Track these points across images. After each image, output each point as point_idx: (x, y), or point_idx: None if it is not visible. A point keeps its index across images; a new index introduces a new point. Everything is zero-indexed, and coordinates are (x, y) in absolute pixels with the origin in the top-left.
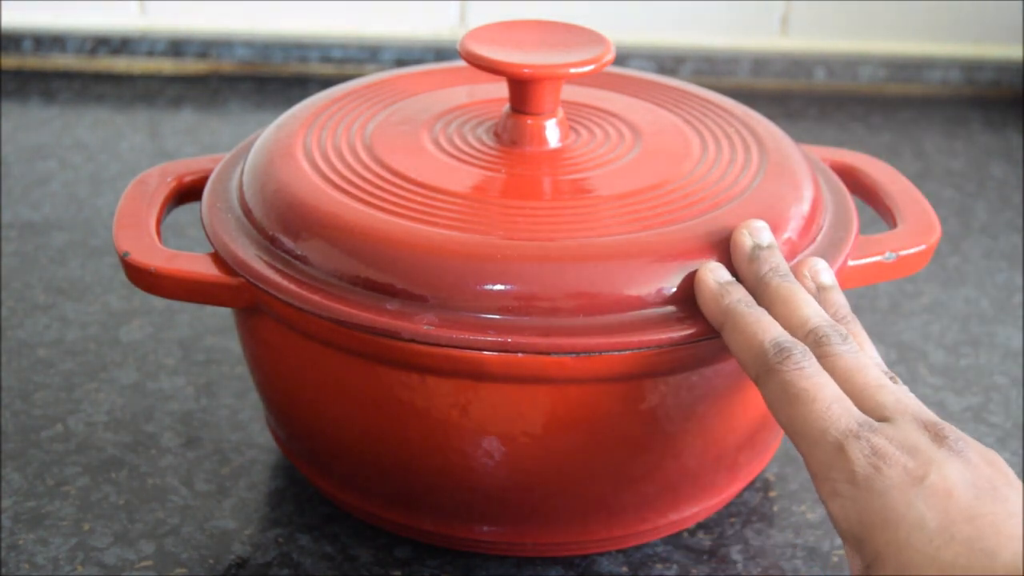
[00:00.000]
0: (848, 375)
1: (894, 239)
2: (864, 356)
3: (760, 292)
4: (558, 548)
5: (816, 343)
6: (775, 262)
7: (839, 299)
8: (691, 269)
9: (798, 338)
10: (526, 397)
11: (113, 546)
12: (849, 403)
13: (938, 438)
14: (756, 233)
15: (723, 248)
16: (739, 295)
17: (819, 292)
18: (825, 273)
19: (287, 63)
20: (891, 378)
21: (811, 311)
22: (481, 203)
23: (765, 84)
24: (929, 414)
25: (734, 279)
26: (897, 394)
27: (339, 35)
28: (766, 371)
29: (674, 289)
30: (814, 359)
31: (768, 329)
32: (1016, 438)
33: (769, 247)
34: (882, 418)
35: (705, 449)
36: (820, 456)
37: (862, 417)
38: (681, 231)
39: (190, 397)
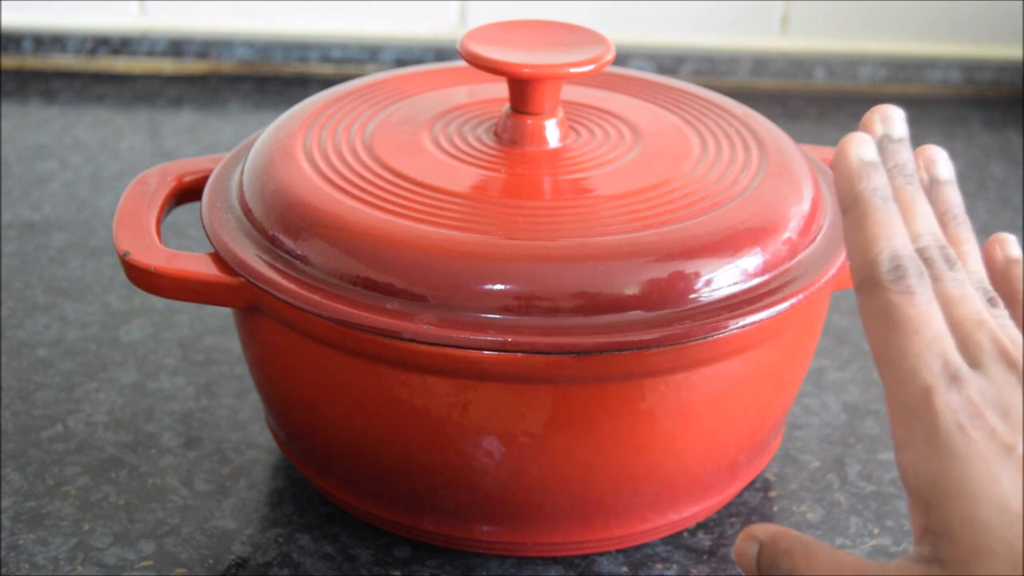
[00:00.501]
0: (949, 304)
1: None
2: (968, 285)
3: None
4: (558, 548)
5: (922, 263)
6: (903, 159)
7: (953, 196)
8: (691, 269)
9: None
10: (526, 397)
11: (113, 546)
12: (951, 344)
13: None
14: (889, 121)
15: (722, 248)
16: (879, 182)
17: (932, 185)
18: (942, 165)
19: (287, 63)
20: (991, 300)
21: (924, 226)
22: (481, 203)
23: (765, 84)
24: None
25: (879, 162)
26: (995, 333)
27: (339, 35)
28: (873, 283)
29: (674, 289)
30: (929, 286)
31: (893, 236)
32: None
33: (900, 140)
34: (977, 362)
35: (705, 449)
36: (904, 397)
37: (959, 363)
38: (681, 231)
39: (190, 397)
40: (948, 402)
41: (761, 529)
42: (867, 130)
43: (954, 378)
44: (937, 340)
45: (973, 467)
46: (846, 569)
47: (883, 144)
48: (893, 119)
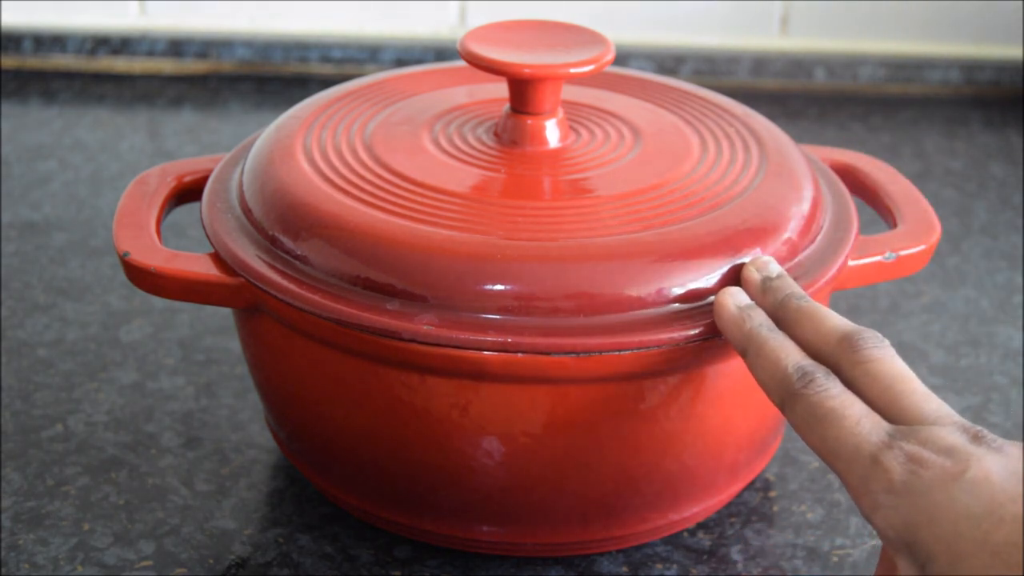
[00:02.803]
0: (891, 381)
1: (894, 239)
2: (900, 360)
3: (781, 317)
4: (558, 548)
5: (852, 349)
6: (789, 287)
7: (789, 283)
8: (691, 269)
9: (830, 349)
10: (526, 397)
11: (113, 546)
12: (877, 417)
13: (976, 439)
14: (763, 267)
15: (722, 248)
16: (760, 319)
17: (765, 282)
18: (771, 266)
19: (287, 63)
20: None
21: (839, 320)
22: (481, 203)
23: (765, 84)
24: (967, 422)
25: (754, 303)
26: (939, 402)
27: (339, 35)
28: (791, 396)
29: (674, 289)
30: (837, 380)
31: (791, 353)
32: (1016, 438)
33: (779, 277)
34: (922, 425)
35: (705, 449)
36: (857, 472)
37: (892, 428)
38: (681, 231)
39: (190, 397)
40: (895, 456)
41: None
42: (750, 280)
43: (893, 437)
44: (865, 417)
45: (934, 496)
46: None
47: (766, 284)
48: (765, 263)
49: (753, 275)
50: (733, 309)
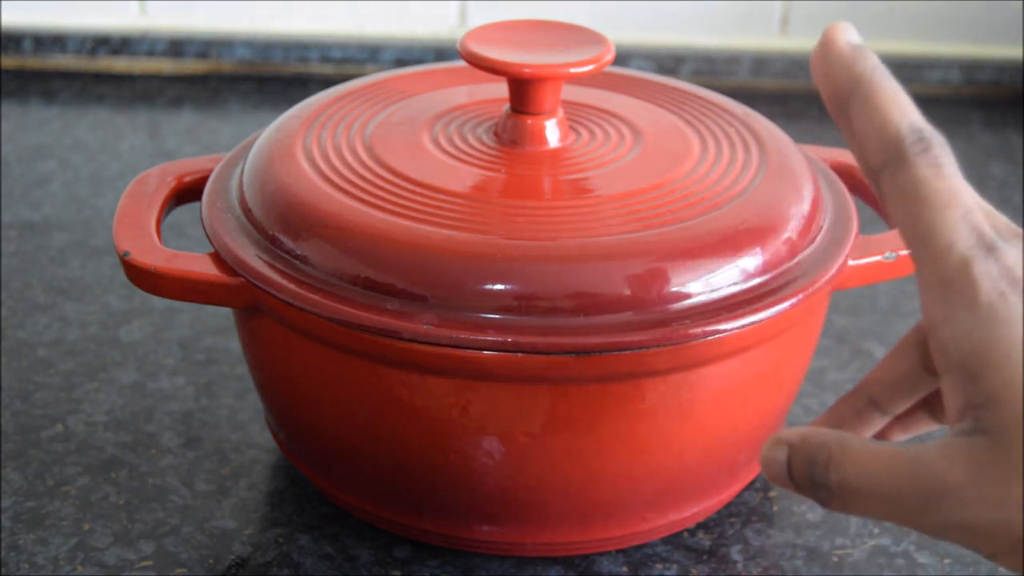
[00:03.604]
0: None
1: (894, 239)
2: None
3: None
4: (558, 548)
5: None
6: (875, 59)
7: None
8: (691, 269)
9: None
10: (526, 397)
11: (113, 546)
12: (981, 217)
13: None
14: (846, 30)
15: (722, 248)
16: (876, 62)
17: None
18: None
19: (287, 63)
20: None
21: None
22: (481, 203)
23: (765, 84)
24: None
25: (866, 45)
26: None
27: (339, 35)
28: (898, 160)
29: (674, 289)
30: (953, 157)
31: (908, 110)
32: None
33: (863, 45)
34: (1002, 236)
35: (705, 449)
36: (941, 272)
37: (993, 234)
38: (681, 231)
39: (190, 397)
40: (987, 271)
41: (787, 433)
42: (834, 41)
43: (990, 248)
44: (970, 212)
45: (1018, 331)
46: (883, 460)
47: (855, 51)
48: (846, 28)
49: (838, 36)
50: (844, 45)
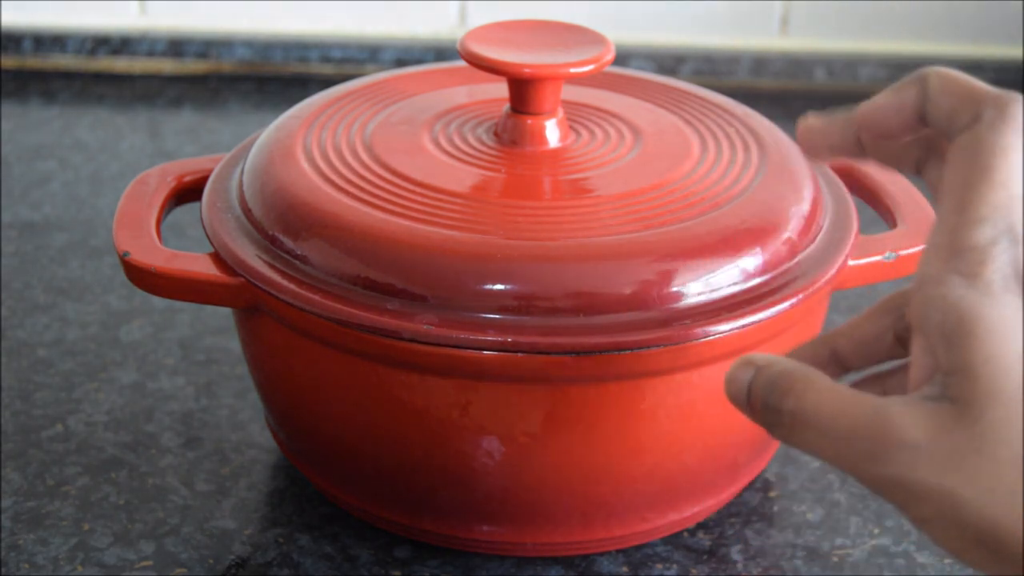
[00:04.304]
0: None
1: (894, 239)
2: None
3: None
4: (558, 548)
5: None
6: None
7: None
8: (691, 269)
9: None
10: (526, 397)
11: (113, 546)
12: (1020, 209)
13: None
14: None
15: (722, 248)
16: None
17: None
18: None
19: (287, 63)
20: None
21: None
22: (481, 203)
23: (765, 84)
24: None
25: None
26: None
27: (339, 35)
28: (986, 117)
29: (674, 289)
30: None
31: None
32: None
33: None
34: None
35: (705, 449)
36: (957, 236)
37: (1021, 229)
38: (681, 231)
39: (190, 397)
40: (1003, 255)
41: (758, 356)
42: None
43: (1016, 240)
44: (1015, 199)
45: (1008, 313)
46: (845, 400)
47: None
48: None
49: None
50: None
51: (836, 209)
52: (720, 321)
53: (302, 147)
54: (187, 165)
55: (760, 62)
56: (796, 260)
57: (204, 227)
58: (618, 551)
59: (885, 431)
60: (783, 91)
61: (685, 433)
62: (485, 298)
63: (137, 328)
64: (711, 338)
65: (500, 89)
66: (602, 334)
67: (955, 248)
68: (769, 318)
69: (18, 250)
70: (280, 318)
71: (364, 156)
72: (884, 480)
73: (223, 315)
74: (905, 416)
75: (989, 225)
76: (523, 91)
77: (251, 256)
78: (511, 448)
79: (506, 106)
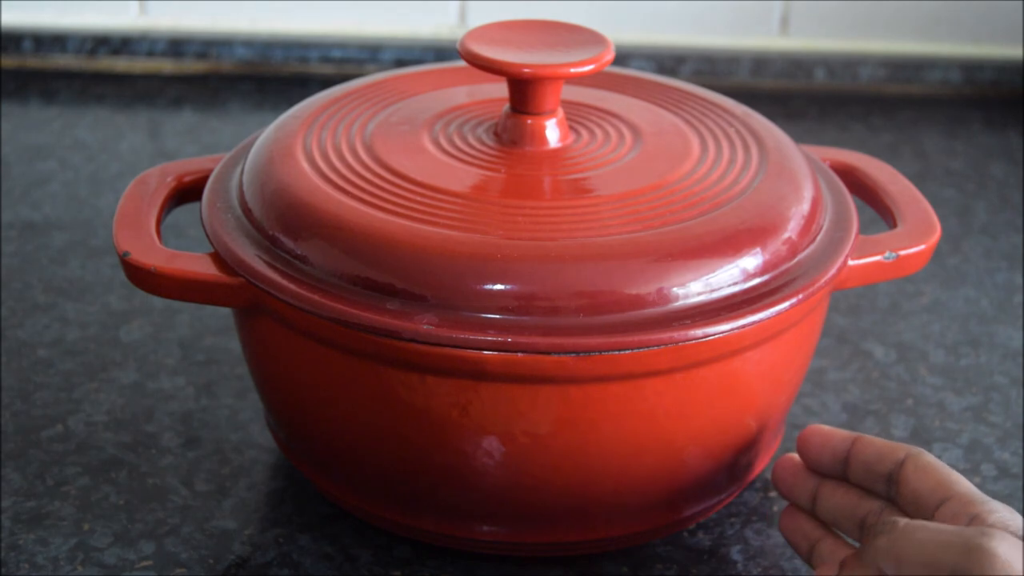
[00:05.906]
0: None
1: (894, 239)
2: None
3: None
4: (558, 548)
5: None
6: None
7: None
8: (691, 269)
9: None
10: (526, 397)
11: (113, 546)
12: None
13: None
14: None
15: (722, 248)
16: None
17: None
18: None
19: (287, 63)
20: None
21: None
22: (481, 203)
23: (765, 84)
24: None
25: None
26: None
27: (339, 35)
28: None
29: (674, 289)
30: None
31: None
32: (1016, 438)
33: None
34: None
35: (705, 449)
36: (962, 537)
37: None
38: (681, 231)
39: (190, 397)
40: (1007, 554)
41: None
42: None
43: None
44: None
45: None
46: None
47: None
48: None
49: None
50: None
51: (836, 209)
52: (720, 321)
53: (302, 147)
54: (187, 165)
55: (760, 62)
56: (796, 260)
57: (204, 227)
58: (618, 551)
59: None
60: (783, 91)
61: (685, 433)
62: (485, 298)
63: (137, 328)
64: (711, 338)
65: (500, 89)
66: (602, 334)
67: (956, 535)
68: (769, 318)
69: (18, 250)
70: (280, 318)
71: (364, 156)
72: None
73: (223, 315)
74: None
75: (996, 530)
76: (523, 91)
77: (251, 256)
78: (511, 448)
79: (506, 106)
